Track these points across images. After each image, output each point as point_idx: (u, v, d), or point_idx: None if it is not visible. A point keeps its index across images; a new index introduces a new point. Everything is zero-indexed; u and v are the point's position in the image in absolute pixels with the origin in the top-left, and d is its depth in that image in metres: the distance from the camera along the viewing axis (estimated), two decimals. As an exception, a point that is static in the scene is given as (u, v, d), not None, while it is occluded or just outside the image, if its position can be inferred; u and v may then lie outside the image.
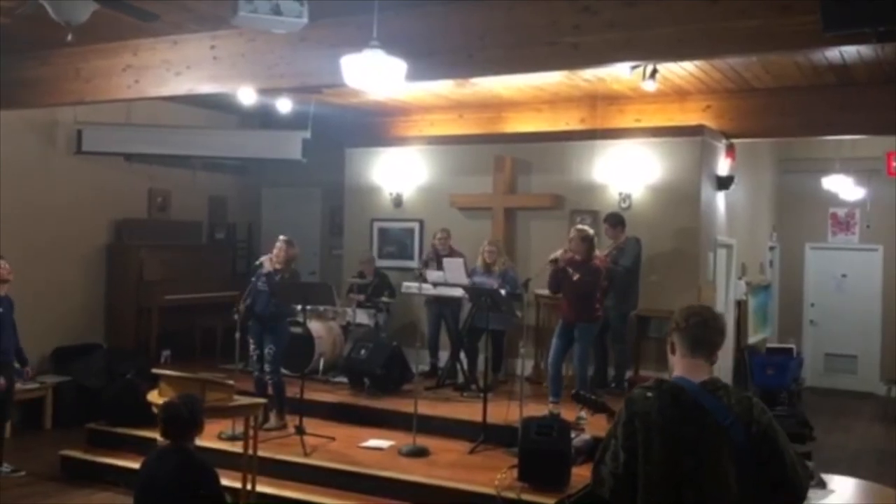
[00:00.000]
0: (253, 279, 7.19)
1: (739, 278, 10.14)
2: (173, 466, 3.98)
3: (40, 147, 9.03)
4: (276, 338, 7.08)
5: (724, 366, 9.55)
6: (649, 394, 2.63)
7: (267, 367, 7.05)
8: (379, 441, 6.90)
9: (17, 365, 7.05)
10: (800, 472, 2.62)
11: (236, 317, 7.05)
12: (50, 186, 9.01)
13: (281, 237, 7.27)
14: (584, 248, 6.96)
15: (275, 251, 7.14)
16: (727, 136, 8.97)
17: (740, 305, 10.16)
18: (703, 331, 2.68)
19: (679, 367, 2.70)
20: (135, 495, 4.10)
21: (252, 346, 7.19)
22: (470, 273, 8.19)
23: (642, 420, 2.58)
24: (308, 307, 7.52)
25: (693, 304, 2.82)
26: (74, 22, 4.94)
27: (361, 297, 9.20)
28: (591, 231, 7.19)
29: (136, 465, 4.41)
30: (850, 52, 6.67)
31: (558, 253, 7.02)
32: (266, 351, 7.04)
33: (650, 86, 7.57)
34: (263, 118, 10.64)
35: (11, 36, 6.88)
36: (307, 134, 9.71)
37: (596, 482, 2.67)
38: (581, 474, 5.94)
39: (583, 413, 6.90)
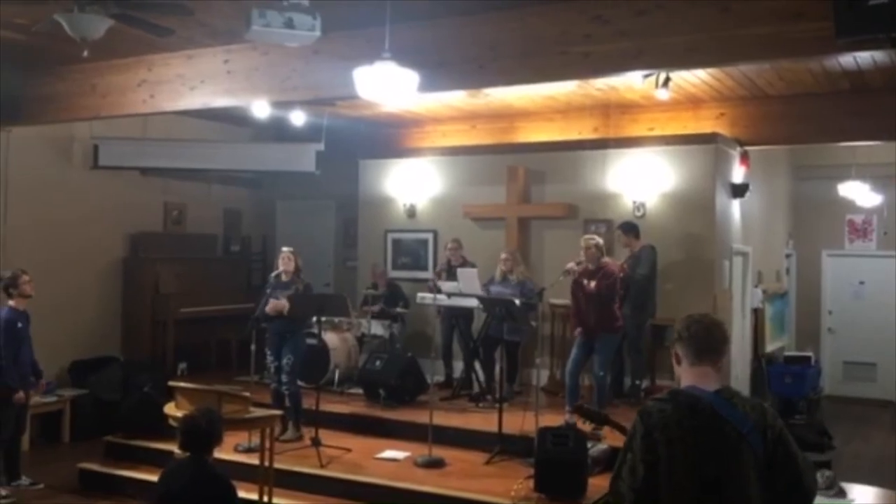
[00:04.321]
0: (268, 291, 7.23)
1: (756, 286, 10.07)
2: (190, 479, 4.00)
3: (57, 162, 9.12)
4: (294, 348, 7.11)
5: (741, 374, 9.50)
6: (665, 406, 2.61)
7: (284, 378, 7.08)
8: (395, 452, 6.89)
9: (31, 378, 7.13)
10: (810, 475, 2.66)
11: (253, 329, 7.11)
12: (66, 201, 9.09)
13: (285, 248, 7.33)
14: (596, 257, 7.00)
15: (282, 263, 7.19)
16: (741, 143, 8.94)
17: (757, 313, 10.09)
18: (706, 338, 2.68)
19: (687, 376, 2.68)
20: (152, 508, 4.12)
21: (270, 358, 7.23)
22: (486, 283, 8.18)
23: (662, 432, 2.55)
24: (323, 319, 7.53)
25: (693, 313, 2.78)
26: (90, 38, 4.99)
27: (375, 309, 9.21)
28: (598, 238, 7.24)
29: (153, 478, 4.43)
30: (865, 57, 6.64)
31: (572, 265, 7.02)
32: (284, 361, 7.08)
33: (663, 94, 7.55)
34: (277, 131, 10.70)
35: (28, 53, 6.96)
36: (321, 146, 9.76)
37: (615, 498, 2.64)
38: (598, 484, 5.90)
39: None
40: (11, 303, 6.79)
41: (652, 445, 2.55)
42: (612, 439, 6.57)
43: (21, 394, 6.68)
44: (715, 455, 2.52)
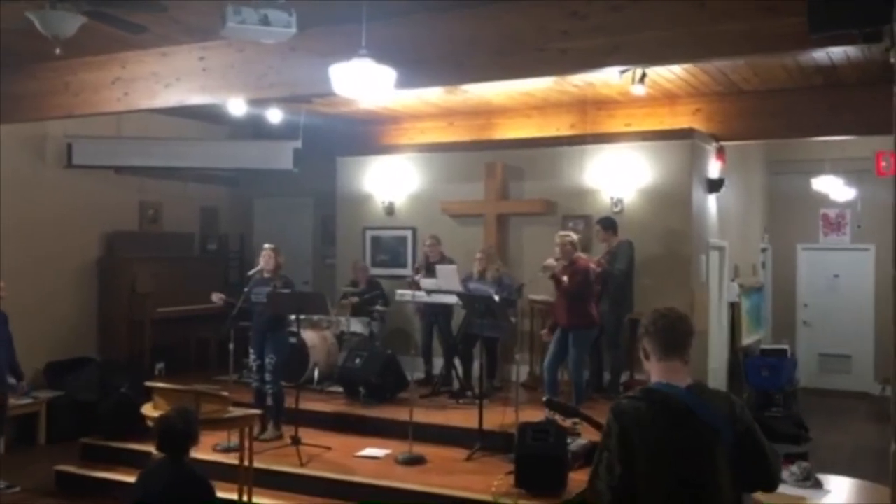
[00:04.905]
0: (246, 289, 7.20)
1: (732, 280, 10.16)
2: (169, 479, 3.97)
3: (30, 161, 9.01)
4: (277, 347, 7.09)
5: (718, 368, 9.57)
6: (639, 403, 2.64)
7: (267, 377, 7.05)
8: (375, 450, 6.88)
9: (11, 380, 7.04)
10: (777, 463, 2.74)
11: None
12: (40, 200, 8.98)
13: (267, 245, 7.30)
14: (570, 253, 7.10)
15: (263, 260, 7.17)
16: (717, 138, 9.01)
17: (734, 307, 10.18)
18: (672, 333, 2.71)
19: (657, 371, 2.72)
20: (130, 509, 4.09)
21: (252, 357, 7.21)
22: (465, 279, 8.19)
23: (637, 430, 2.59)
24: (302, 317, 7.51)
25: (659, 308, 2.80)
26: (62, 35, 4.94)
27: (354, 300, 9.18)
28: (572, 235, 7.33)
29: (131, 479, 4.39)
30: (838, 53, 6.71)
31: (551, 261, 7.06)
32: (267, 361, 7.06)
33: (639, 90, 7.60)
34: (254, 129, 10.64)
35: (-1, 50, 6.87)
36: (298, 144, 9.71)
37: (593, 496, 2.68)
38: (578, 479, 5.94)
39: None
40: (-17, 305, 6.71)
41: (628, 443, 2.59)
42: (591, 434, 6.60)
43: None
44: (689, 451, 2.57)
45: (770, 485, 2.73)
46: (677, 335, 2.71)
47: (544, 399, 3.32)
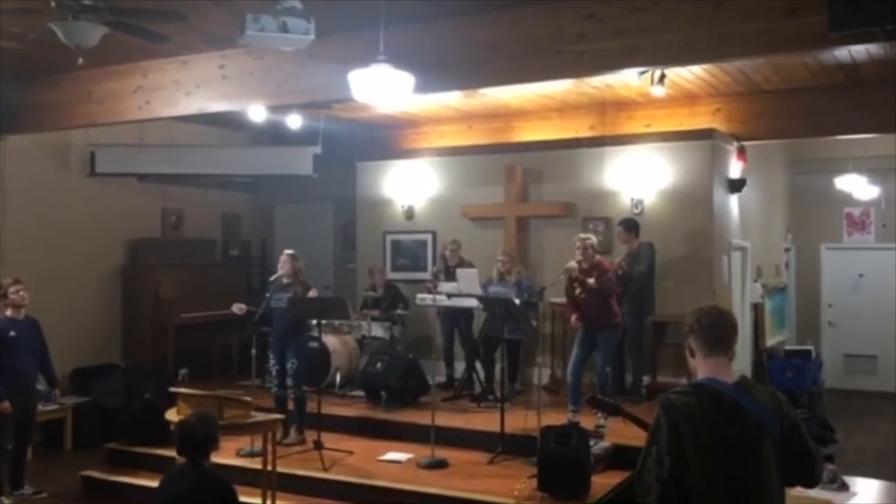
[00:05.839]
0: (267, 294, 7.25)
1: (755, 281, 10.08)
2: (190, 484, 4.00)
3: (54, 169, 9.12)
4: (298, 352, 7.12)
5: (742, 369, 9.49)
6: (689, 398, 2.68)
7: (289, 382, 7.09)
8: (397, 454, 6.89)
9: (40, 386, 7.11)
10: (820, 462, 2.79)
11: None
12: (64, 208, 9.09)
13: (286, 251, 7.35)
14: (591, 255, 7.10)
15: (281, 266, 7.22)
16: (738, 138, 8.95)
17: (757, 308, 10.09)
18: (716, 329, 2.77)
19: (703, 368, 2.76)
20: (154, 514, 4.12)
21: (272, 362, 7.24)
22: (485, 284, 8.19)
23: (688, 424, 2.63)
24: (323, 322, 7.54)
25: (702, 306, 2.88)
26: (85, 46, 5.00)
27: (376, 312, 9.21)
28: (592, 237, 7.33)
29: (156, 484, 4.42)
30: (860, 51, 6.65)
31: (573, 264, 7.05)
32: (288, 366, 7.09)
33: (659, 91, 7.57)
34: (274, 135, 10.69)
35: (23, 61, 6.97)
36: (318, 149, 9.75)
37: (642, 489, 2.70)
38: (601, 482, 5.93)
39: (602, 421, 6.88)
40: (8, 312, 6.77)
41: (678, 437, 2.63)
42: (614, 437, 6.58)
43: (6, 403, 6.47)
44: (739, 446, 2.61)
45: (812, 481, 2.79)
46: (721, 331, 2.77)
47: (588, 396, 3.34)
